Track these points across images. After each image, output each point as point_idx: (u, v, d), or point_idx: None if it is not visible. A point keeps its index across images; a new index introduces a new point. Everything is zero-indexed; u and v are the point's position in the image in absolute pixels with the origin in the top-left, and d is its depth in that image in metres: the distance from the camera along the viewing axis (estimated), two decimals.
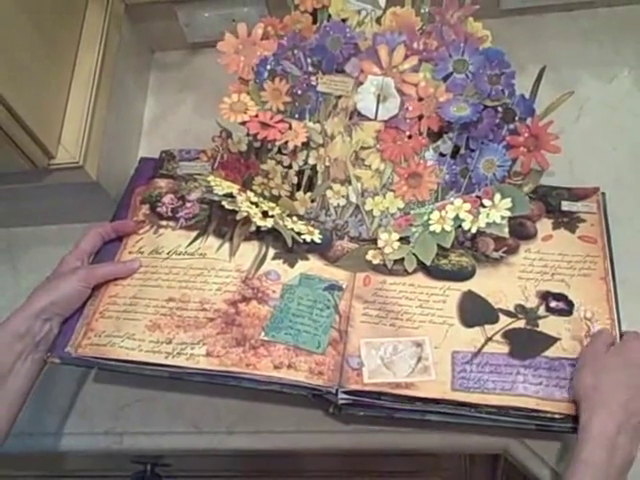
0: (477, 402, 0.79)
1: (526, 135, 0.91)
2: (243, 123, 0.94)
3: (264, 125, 0.93)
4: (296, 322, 0.86)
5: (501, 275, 0.89)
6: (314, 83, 0.95)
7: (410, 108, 0.93)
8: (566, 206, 0.93)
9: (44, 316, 0.84)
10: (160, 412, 0.94)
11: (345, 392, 0.81)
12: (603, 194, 0.94)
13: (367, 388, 0.81)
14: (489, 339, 0.84)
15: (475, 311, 0.87)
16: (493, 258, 0.90)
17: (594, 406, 0.74)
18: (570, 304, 0.86)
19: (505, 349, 0.83)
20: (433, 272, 0.90)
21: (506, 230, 0.89)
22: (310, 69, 0.95)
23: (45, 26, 0.93)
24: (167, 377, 0.84)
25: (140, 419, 0.94)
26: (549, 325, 0.84)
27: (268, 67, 0.95)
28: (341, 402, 0.81)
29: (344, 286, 0.90)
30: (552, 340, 0.83)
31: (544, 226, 0.92)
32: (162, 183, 1.00)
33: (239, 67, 0.96)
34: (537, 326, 0.85)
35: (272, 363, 0.82)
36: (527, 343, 0.83)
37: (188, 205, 0.97)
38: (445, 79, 0.93)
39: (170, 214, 0.97)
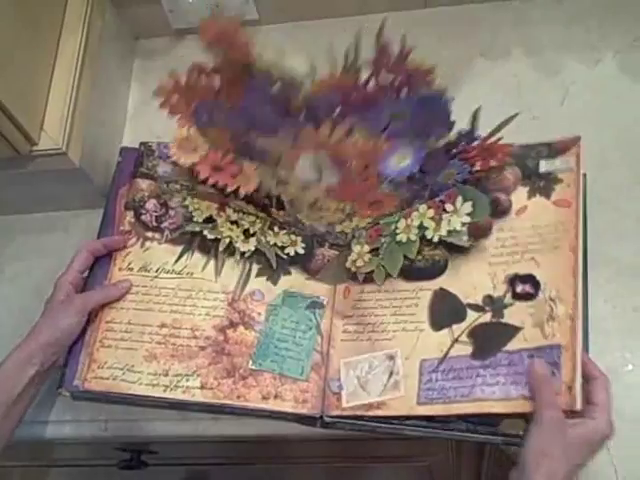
0: (441, 414, 0.78)
1: (475, 152, 0.89)
2: (193, 165, 0.91)
3: (215, 168, 0.90)
4: (281, 348, 0.88)
5: (472, 264, 0.86)
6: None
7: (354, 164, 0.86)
8: (544, 166, 0.88)
9: (51, 350, 0.86)
10: None
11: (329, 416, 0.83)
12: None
13: (345, 413, 0.83)
14: (455, 341, 0.82)
15: (444, 311, 0.84)
16: (464, 247, 0.86)
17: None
18: (537, 285, 0.81)
19: (469, 350, 0.80)
20: (407, 272, 0.88)
21: (465, 238, 0.86)
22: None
23: (27, 11, 0.92)
24: (167, 406, 0.87)
25: (125, 407, 0.93)
26: (513, 313, 0.81)
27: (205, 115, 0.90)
28: (327, 422, 0.84)
29: (325, 302, 0.91)
30: (514, 331, 0.79)
31: (519, 196, 0.88)
32: (144, 185, 0.98)
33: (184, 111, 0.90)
34: (502, 317, 0.81)
35: (260, 394, 0.86)
36: (489, 339, 0.80)
37: (172, 214, 0.96)
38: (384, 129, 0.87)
39: (155, 224, 0.96)
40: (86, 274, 0.93)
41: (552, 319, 0.78)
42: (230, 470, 1.27)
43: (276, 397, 0.85)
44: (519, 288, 0.82)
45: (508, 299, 0.82)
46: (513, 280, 0.83)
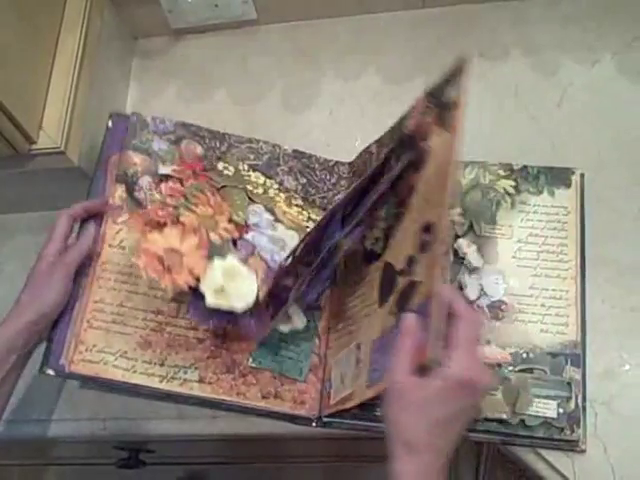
0: (373, 395, 0.76)
1: None
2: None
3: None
4: (280, 348, 0.88)
5: (403, 227, 0.83)
6: None
7: None
8: (445, 95, 0.80)
9: (36, 328, 0.84)
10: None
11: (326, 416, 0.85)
12: (582, 175, 0.94)
13: (330, 410, 0.84)
14: (388, 313, 0.79)
15: (385, 284, 0.82)
16: (395, 215, 0.85)
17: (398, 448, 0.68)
18: (431, 231, 0.74)
19: (394, 320, 0.76)
20: (368, 256, 0.88)
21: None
22: None
23: (26, 10, 0.92)
24: (162, 398, 0.87)
25: (124, 405, 0.93)
26: (420, 268, 0.74)
27: None
28: (325, 422, 0.85)
29: (322, 304, 0.91)
30: (418, 287, 0.73)
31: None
32: (137, 159, 0.96)
33: None
34: (415, 275, 0.75)
35: (260, 392, 0.86)
36: (404, 303, 0.75)
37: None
38: None
39: (148, 203, 0.94)
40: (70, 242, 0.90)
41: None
42: (228, 469, 1.27)
43: (276, 397, 0.86)
44: (422, 239, 0.75)
45: (417, 254, 0.76)
46: (421, 232, 0.75)
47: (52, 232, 0.88)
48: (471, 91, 1.03)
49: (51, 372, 0.86)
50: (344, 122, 1.06)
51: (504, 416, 0.81)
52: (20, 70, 0.90)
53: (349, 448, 1.13)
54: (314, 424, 0.85)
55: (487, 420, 0.81)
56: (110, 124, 0.99)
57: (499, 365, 0.84)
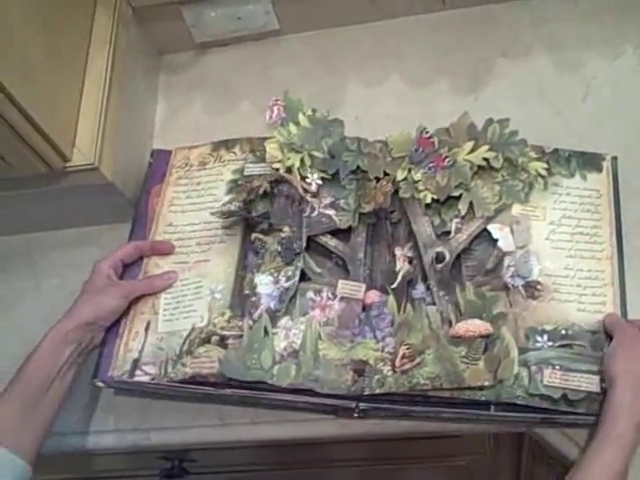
0: None
1: None
2: None
3: None
4: None
5: None
6: None
7: None
8: None
9: (90, 328, 0.88)
10: (184, 407, 0.94)
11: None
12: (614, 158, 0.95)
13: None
14: None
15: None
16: None
17: (626, 387, 0.76)
18: None
19: None
20: None
21: None
22: None
23: (56, 30, 0.94)
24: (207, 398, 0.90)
25: (165, 414, 0.94)
26: None
27: None
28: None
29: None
30: None
31: None
32: None
33: None
34: None
35: None
36: None
37: None
38: None
39: None
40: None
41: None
42: (269, 476, 1.28)
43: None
44: None
45: None
46: None
47: (116, 252, 0.94)
48: (495, 91, 1.06)
49: (100, 384, 0.90)
50: (370, 127, 1.07)
51: (486, 383, 0.82)
52: (52, 89, 0.92)
53: (388, 450, 1.13)
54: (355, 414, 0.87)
55: (470, 389, 0.83)
56: (151, 160, 1.07)
57: (482, 336, 0.85)
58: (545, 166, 0.95)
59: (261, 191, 0.97)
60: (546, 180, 0.94)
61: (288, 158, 0.97)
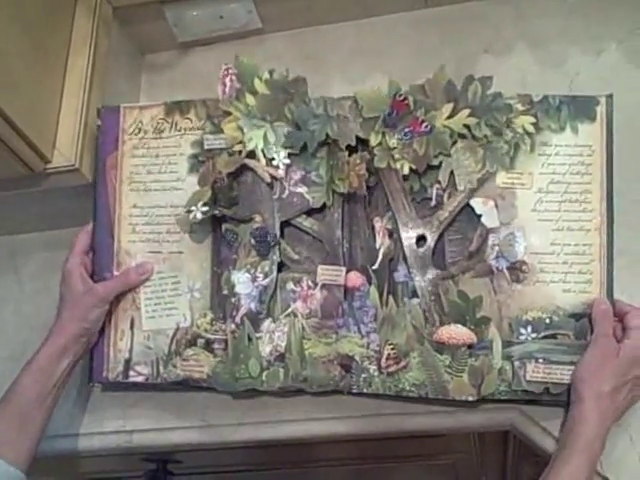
0: None
1: None
2: None
3: None
4: None
5: None
6: None
7: None
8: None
9: (83, 339, 0.90)
10: (168, 408, 0.95)
11: None
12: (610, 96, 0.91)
13: None
14: None
15: None
16: None
17: (594, 409, 0.78)
18: None
19: None
20: None
21: None
22: None
23: (35, 32, 0.93)
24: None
25: (149, 416, 0.95)
26: None
27: None
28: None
29: None
30: None
31: None
32: None
33: None
34: None
35: None
36: None
37: None
38: None
39: None
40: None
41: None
42: (255, 476, 1.28)
43: None
44: None
45: None
46: None
47: (75, 245, 0.94)
48: None
49: (98, 385, 0.94)
50: None
51: (470, 398, 0.83)
52: (32, 91, 0.92)
53: (375, 449, 1.13)
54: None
55: (454, 401, 0.84)
56: (99, 121, 1.00)
57: (468, 346, 0.85)
58: (532, 120, 0.90)
59: (225, 184, 0.93)
60: (533, 139, 0.89)
61: (250, 139, 0.92)
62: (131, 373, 0.92)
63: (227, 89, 0.95)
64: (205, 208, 0.93)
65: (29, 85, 0.91)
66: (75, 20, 1.03)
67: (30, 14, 0.93)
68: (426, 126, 0.90)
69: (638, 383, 0.81)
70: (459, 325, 0.86)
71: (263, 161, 0.93)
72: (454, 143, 0.90)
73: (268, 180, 0.93)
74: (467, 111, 0.90)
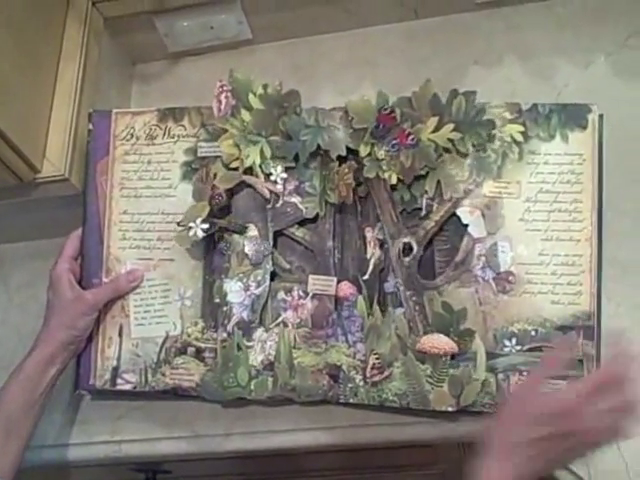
0: None
1: None
2: None
3: None
4: None
5: None
6: None
7: None
8: None
9: (70, 347, 0.89)
10: (157, 419, 0.95)
11: None
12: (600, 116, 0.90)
13: None
14: None
15: None
16: None
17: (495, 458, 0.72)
18: None
19: None
20: None
21: None
22: None
23: (25, 42, 0.94)
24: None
25: (137, 427, 0.95)
26: None
27: None
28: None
29: None
30: None
31: None
32: None
33: None
34: None
35: None
36: None
37: None
38: None
39: None
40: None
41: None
42: None
43: None
44: None
45: None
46: None
47: (64, 250, 0.94)
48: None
49: (84, 393, 0.93)
50: None
51: (449, 408, 0.83)
52: (21, 101, 0.92)
53: (363, 459, 1.13)
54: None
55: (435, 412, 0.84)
56: (90, 126, 0.99)
57: (449, 356, 0.85)
58: (521, 129, 0.89)
59: (223, 202, 0.93)
60: (521, 147, 0.88)
61: (247, 156, 0.92)
62: (119, 381, 0.92)
63: (222, 106, 0.95)
64: (205, 225, 0.92)
65: (19, 95, 0.91)
66: (66, 30, 1.03)
67: (21, 24, 0.93)
68: (412, 139, 0.90)
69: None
70: (441, 335, 0.86)
71: (262, 177, 0.93)
72: (439, 156, 0.90)
73: (267, 196, 0.94)
74: (451, 125, 0.89)
